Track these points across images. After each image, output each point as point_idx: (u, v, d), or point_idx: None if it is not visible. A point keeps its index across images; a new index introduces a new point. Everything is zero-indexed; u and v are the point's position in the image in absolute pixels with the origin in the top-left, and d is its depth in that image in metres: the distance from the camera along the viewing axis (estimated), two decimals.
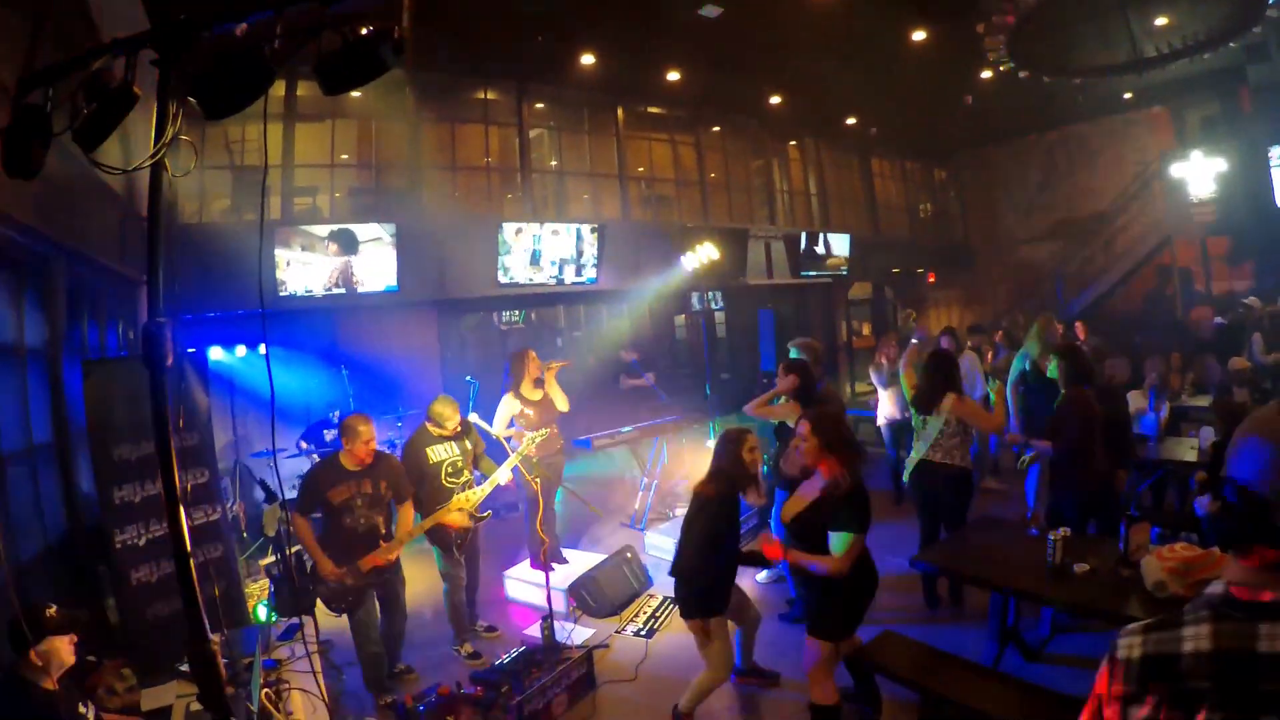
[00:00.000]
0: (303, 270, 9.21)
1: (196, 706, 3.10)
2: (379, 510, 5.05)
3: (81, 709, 3.10)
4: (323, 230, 9.38)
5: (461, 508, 5.44)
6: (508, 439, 6.39)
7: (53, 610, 3.01)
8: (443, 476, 5.53)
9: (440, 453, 5.60)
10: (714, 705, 4.66)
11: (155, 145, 2.03)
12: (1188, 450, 6.69)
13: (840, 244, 15.72)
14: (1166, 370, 8.69)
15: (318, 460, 5.34)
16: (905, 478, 6.07)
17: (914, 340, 6.79)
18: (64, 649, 2.99)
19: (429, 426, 5.63)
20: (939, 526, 5.92)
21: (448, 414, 5.55)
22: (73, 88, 2.19)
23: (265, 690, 3.20)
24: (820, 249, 15.36)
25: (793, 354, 6.46)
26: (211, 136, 9.52)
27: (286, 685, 3.47)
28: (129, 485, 5.06)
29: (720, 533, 4.35)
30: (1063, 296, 16.10)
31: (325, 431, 8.37)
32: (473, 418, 6.14)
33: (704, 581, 4.35)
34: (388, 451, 5.47)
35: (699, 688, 4.40)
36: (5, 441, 4.54)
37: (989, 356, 9.73)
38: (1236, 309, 10.64)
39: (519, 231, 10.91)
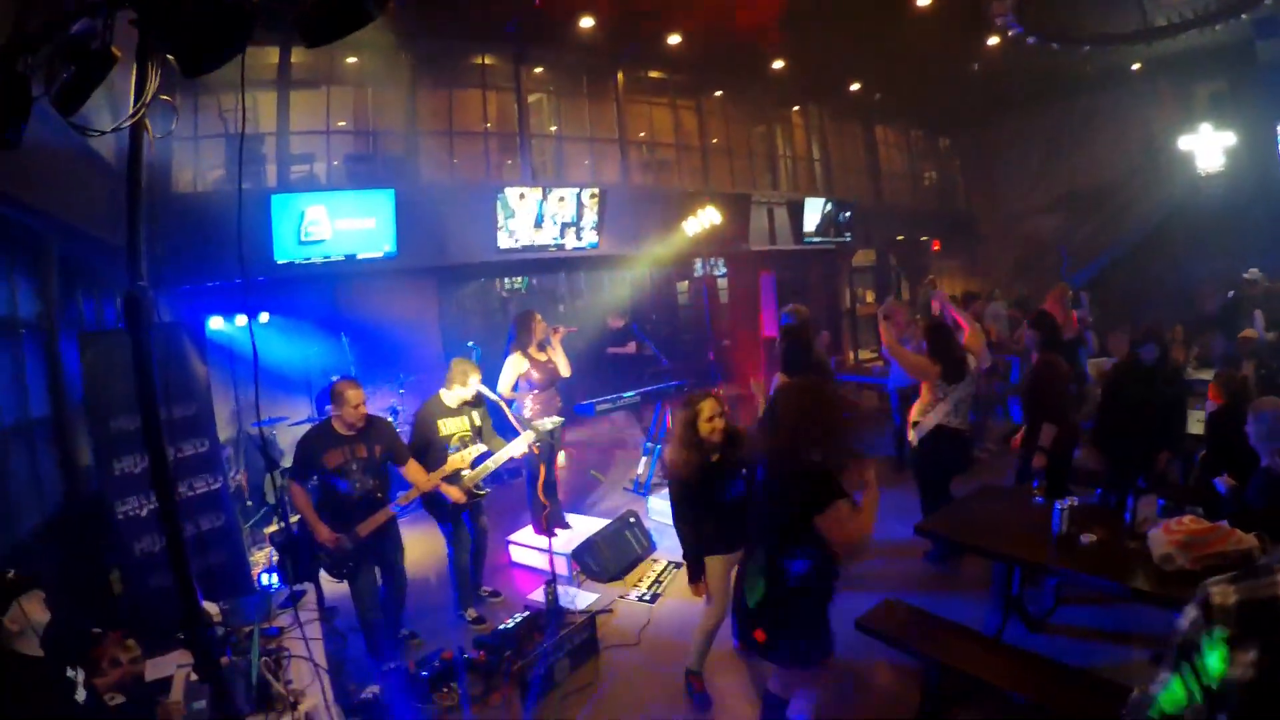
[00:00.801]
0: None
1: (196, 675, 3.10)
2: (374, 474, 5.03)
3: (70, 672, 3.08)
4: None
5: (457, 467, 5.40)
6: (509, 402, 6.35)
7: (11, 574, 2.97)
8: (450, 448, 5.52)
9: (451, 425, 5.59)
10: (717, 675, 4.67)
11: (135, 105, 1.97)
12: (1193, 424, 6.65)
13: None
14: (1170, 343, 8.63)
15: (311, 428, 5.30)
16: (918, 443, 6.05)
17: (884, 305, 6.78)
18: (35, 608, 2.95)
19: (443, 395, 5.63)
20: (947, 491, 6.01)
21: (469, 369, 5.57)
22: (51, 51, 2.13)
23: (264, 659, 3.18)
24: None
25: (784, 321, 6.53)
26: (206, 105, 9.40)
27: (287, 653, 3.46)
28: (128, 457, 5.06)
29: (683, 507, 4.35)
30: (1067, 268, 15.96)
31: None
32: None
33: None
34: (380, 416, 5.43)
35: (698, 633, 4.49)
36: (3, 415, 4.51)
37: (993, 330, 9.70)
38: (1238, 283, 10.54)
39: (522, 196, 10.83)
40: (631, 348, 10.54)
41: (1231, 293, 10.39)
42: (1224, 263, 12.47)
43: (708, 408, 4.21)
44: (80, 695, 3.07)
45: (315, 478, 4.98)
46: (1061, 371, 5.84)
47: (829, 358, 6.91)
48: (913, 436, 6.09)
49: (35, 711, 2.83)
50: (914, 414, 6.10)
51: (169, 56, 2.00)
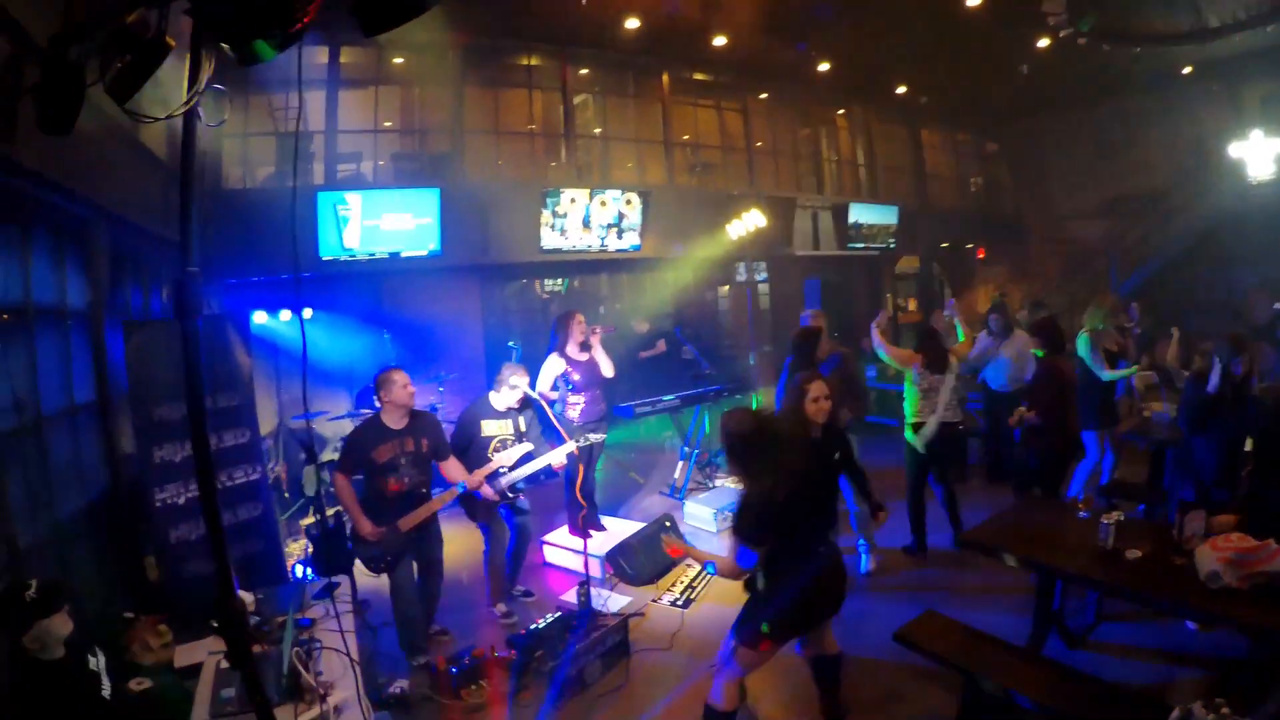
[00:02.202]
0: None
1: (227, 663, 3.12)
2: (422, 469, 5.07)
3: (90, 660, 3.11)
4: None
5: (501, 464, 5.43)
6: (552, 403, 6.37)
7: (31, 590, 2.91)
8: (490, 449, 5.55)
9: (494, 428, 5.64)
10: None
11: (188, 93, 1.98)
12: None
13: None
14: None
15: (360, 422, 5.35)
16: (921, 443, 6.30)
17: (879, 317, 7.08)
18: (57, 625, 2.93)
19: (492, 397, 5.67)
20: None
21: (515, 372, 5.64)
22: (105, 41, 2.15)
23: (295, 649, 3.19)
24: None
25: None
26: (256, 104, 9.57)
27: (318, 644, 3.46)
28: (169, 445, 5.14)
29: None
30: (1116, 275, 15.60)
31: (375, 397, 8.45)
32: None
33: None
34: (425, 411, 5.47)
35: None
36: (48, 401, 4.60)
37: None
38: None
39: (574, 200, 10.88)
40: (661, 346, 10.51)
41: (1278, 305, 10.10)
42: (1273, 272, 12.12)
43: (814, 389, 4.27)
44: (105, 689, 3.08)
45: (362, 472, 5.02)
46: (1065, 376, 6.08)
47: (854, 359, 7.04)
48: (920, 439, 6.29)
49: (59, 713, 2.84)
50: (915, 416, 6.37)
51: (223, 45, 2.01)
